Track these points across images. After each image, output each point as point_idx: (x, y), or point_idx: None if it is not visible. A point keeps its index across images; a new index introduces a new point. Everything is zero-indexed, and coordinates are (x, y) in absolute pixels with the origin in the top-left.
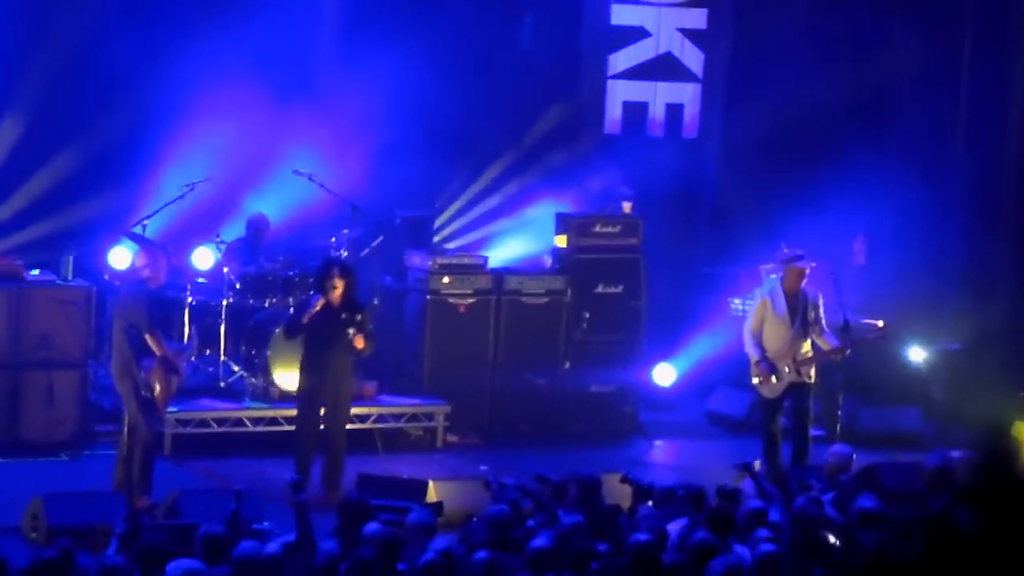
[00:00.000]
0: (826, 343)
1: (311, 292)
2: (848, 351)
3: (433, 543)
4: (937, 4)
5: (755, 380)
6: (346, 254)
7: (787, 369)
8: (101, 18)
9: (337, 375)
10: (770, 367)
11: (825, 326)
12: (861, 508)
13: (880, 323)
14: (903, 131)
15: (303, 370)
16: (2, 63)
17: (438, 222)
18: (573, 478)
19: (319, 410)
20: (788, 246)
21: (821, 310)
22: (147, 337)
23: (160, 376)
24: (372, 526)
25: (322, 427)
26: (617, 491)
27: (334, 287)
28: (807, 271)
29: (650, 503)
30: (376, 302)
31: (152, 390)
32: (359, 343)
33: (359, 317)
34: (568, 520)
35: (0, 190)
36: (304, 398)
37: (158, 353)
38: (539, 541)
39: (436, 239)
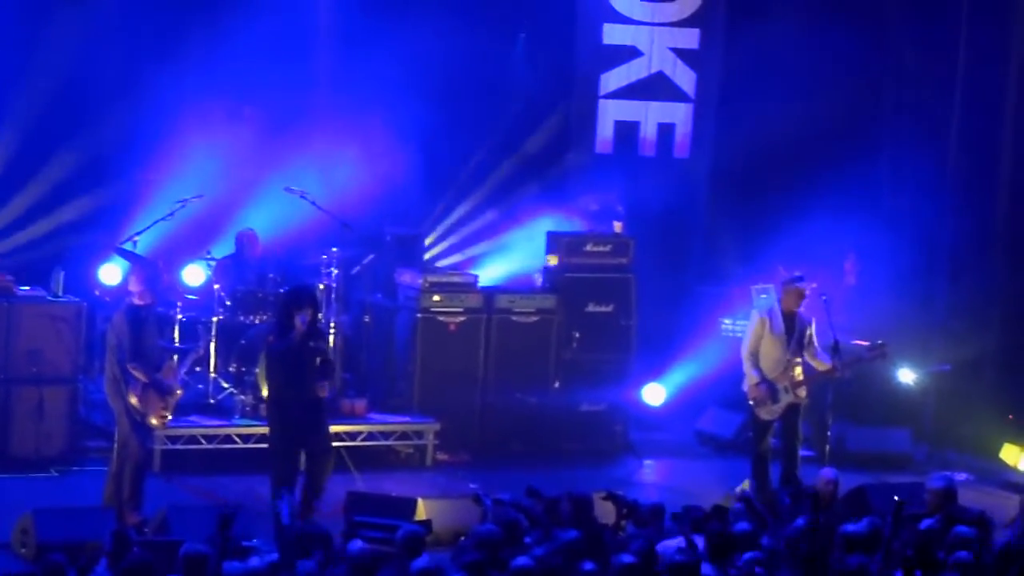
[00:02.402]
0: (821, 363)
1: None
2: (843, 372)
3: (417, 562)
4: (929, 23)
5: (752, 401)
6: (336, 272)
7: (785, 390)
8: (92, 35)
9: (310, 402)
10: (770, 389)
11: (818, 346)
12: (846, 532)
13: (880, 342)
14: (894, 150)
15: (274, 396)
16: None
17: (429, 240)
18: (566, 495)
19: (295, 436)
20: (786, 267)
21: (814, 331)
22: (128, 367)
23: (150, 400)
24: (356, 544)
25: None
26: (604, 509)
27: (308, 313)
28: (807, 292)
29: (632, 521)
30: (366, 319)
31: (142, 415)
32: (322, 392)
33: (322, 357)
34: (563, 537)
35: None
36: (278, 423)
37: (143, 380)
38: (521, 561)
39: (427, 257)
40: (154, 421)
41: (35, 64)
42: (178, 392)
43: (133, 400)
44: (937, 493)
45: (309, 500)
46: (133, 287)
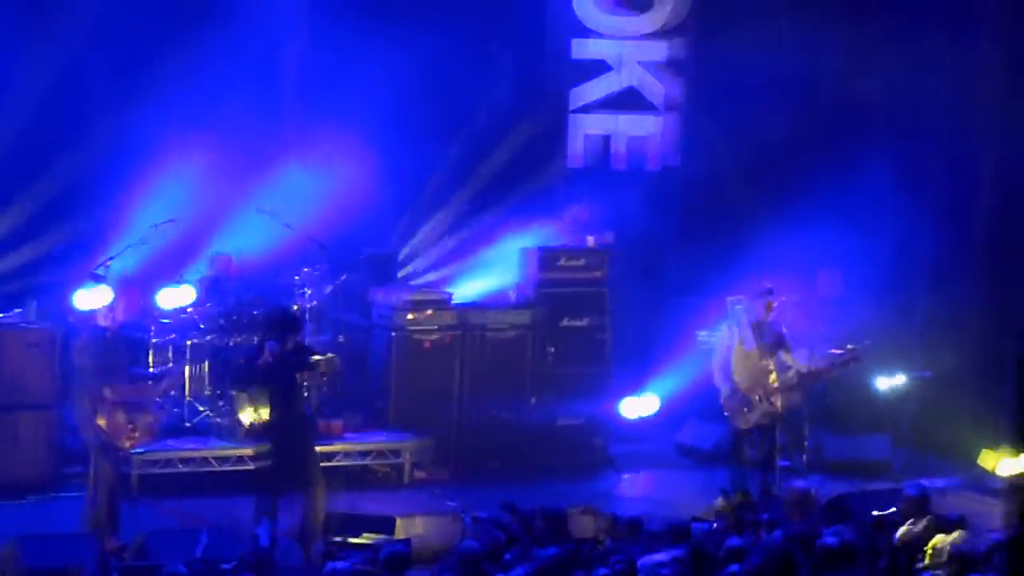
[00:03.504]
0: (800, 365)
1: (257, 340)
2: (819, 376)
3: None
4: (904, 29)
5: (727, 413)
6: (310, 292)
7: (759, 399)
8: (63, 63)
9: (296, 424)
10: (742, 400)
11: (791, 350)
12: (825, 545)
13: (851, 346)
14: (871, 160)
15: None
16: None
17: (402, 258)
18: (539, 510)
19: (278, 458)
20: (757, 279)
21: (786, 337)
22: (95, 386)
23: (118, 422)
24: (337, 564)
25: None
26: (582, 523)
27: (282, 340)
28: (774, 305)
29: (610, 536)
30: (341, 339)
31: (112, 437)
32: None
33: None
34: (543, 554)
35: None
36: (270, 443)
37: (111, 398)
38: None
39: (400, 275)
40: (124, 443)
41: (6, 92)
42: (152, 415)
43: (101, 422)
44: (911, 501)
45: (309, 531)
46: (100, 313)
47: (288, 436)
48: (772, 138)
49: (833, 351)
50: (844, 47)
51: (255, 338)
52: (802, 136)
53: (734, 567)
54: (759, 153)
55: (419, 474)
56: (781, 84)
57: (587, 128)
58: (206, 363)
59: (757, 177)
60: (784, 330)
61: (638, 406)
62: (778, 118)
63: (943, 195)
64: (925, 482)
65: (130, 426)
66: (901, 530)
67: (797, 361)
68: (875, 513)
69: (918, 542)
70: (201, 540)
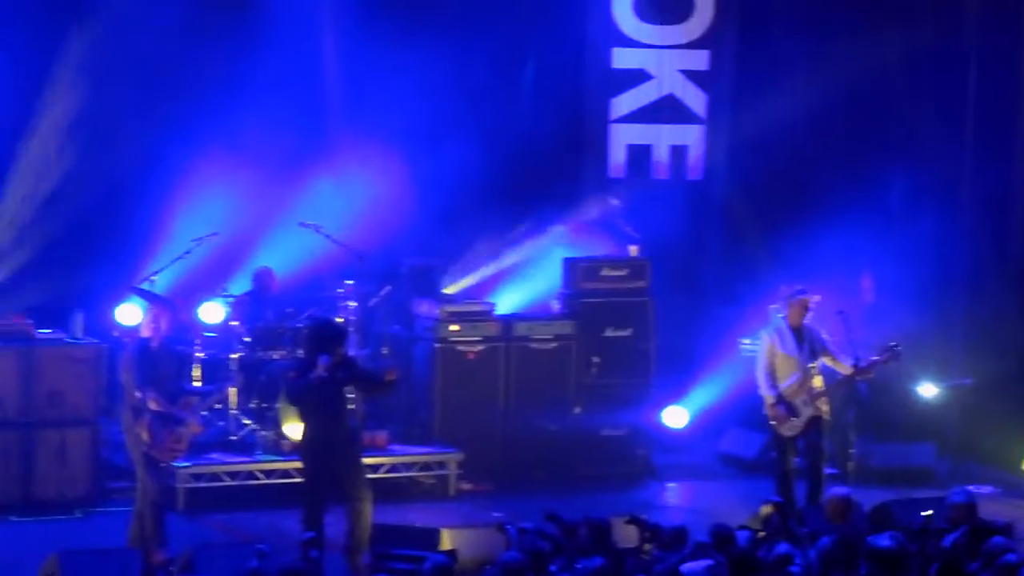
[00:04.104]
0: (845, 366)
1: (306, 353)
2: (863, 375)
3: None
4: (939, 31)
5: (772, 421)
6: (354, 305)
7: (803, 404)
8: (106, 76)
9: (342, 438)
10: (787, 408)
11: (835, 350)
12: (878, 547)
13: (891, 344)
14: (908, 165)
15: (310, 434)
16: (10, 120)
17: (445, 270)
18: (584, 520)
19: (326, 471)
20: (788, 283)
21: (827, 341)
22: (136, 394)
23: (159, 433)
24: None
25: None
26: (626, 533)
27: (333, 353)
28: (810, 304)
29: (656, 545)
30: (384, 351)
31: (148, 445)
32: (390, 376)
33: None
34: (589, 564)
35: (9, 248)
36: (311, 459)
37: (154, 408)
38: None
39: (443, 287)
40: (168, 457)
41: (52, 106)
42: (196, 428)
43: (143, 433)
44: (959, 507)
45: (355, 543)
46: (145, 327)
47: (335, 449)
48: (812, 144)
49: (874, 357)
50: (880, 53)
51: (299, 352)
52: (841, 143)
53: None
54: (799, 160)
55: (464, 485)
56: (821, 91)
57: (628, 138)
58: (250, 377)
59: (796, 185)
60: (825, 335)
61: (679, 415)
62: (818, 124)
63: (981, 200)
64: (972, 488)
65: (174, 440)
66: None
67: (839, 362)
68: (924, 514)
69: (966, 549)
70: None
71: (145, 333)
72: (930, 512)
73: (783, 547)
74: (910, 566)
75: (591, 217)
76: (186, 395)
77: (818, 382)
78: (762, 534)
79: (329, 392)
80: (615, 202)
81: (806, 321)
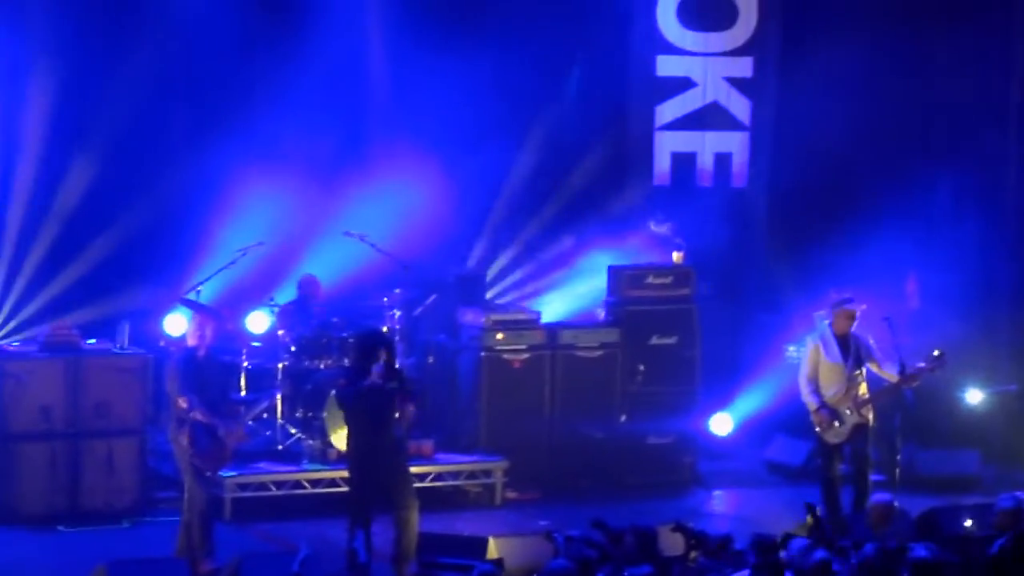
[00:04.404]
0: (891, 374)
1: (355, 362)
2: (909, 383)
3: None
4: (984, 34)
5: (817, 427)
6: (399, 314)
7: (848, 412)
8: (153, 88)
9: (390, 447)
10: (831, 413)
11: (881, 358)
12: (916, 558)
13: (937, 352)
14: (953, 170)
15: (352, 442)
16: (58, 135)
17: (490, 278)
18: (630, 528)
19: (372, 479)
20: (836, 290)
21: (874, 346)
22: (180, 402)
23: (203, 442)
24: None
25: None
26: (673, 541)
27: (383, 359)
28: (857, 313)
29: (701, 552)
30: (430, 360)
31: (191, 454)
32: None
33: (400, 383)
34: (635, 572)
35: (56, 259)
36: (356, 467)
37: (199, 419)
38: None
39: (488, 296)
40: (208, 465)
41: (99, 120)
42: (240, 437)
43: (184, 442)
44: (1007, 513)
45: (402, 552)
46: (190, 337)
47: (380, 458)
48: (856, 151)
49: (920, 364)
50: (925, 58)
51: (345, 360)
52: (885, 148)
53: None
54: (843, 166)
55: (510, 494)
56: (865, 97)
57: (673, 146)
58: (296, 386)
59: (840, 191)
60: (871, 341)
61: (724, 423)
62: (862, 131)
63: None
64: (1020, 494)
65: (217, 449)
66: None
67: (885, 370)
68: (967, 524)
69: (1013, 555)
70: (299, 554)
71: (191, 342)
72: (971, 521)
73: (820, 553)
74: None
75: (638, 229)
76: (232, 405)
77: (863, 390)
78: (807, 541)
79: (377, 401)
80: (665, 228)
81: (853, 329)
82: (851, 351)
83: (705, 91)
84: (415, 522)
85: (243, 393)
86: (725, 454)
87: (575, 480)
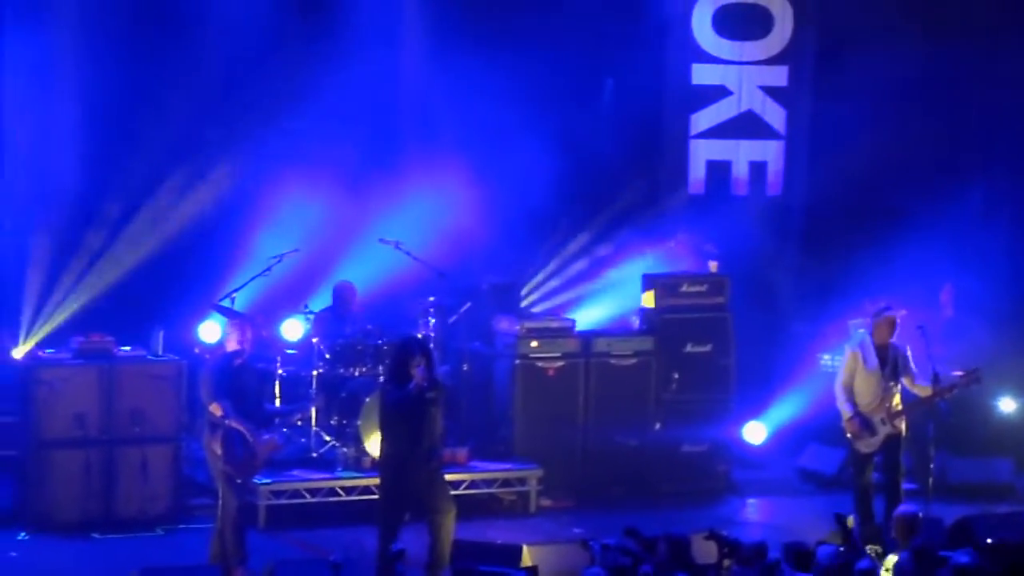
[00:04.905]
0: (922, 387)
1: (394, 368)
2: (941, 397)
3: None
4: (1018, 48)
5: (850, 436)
6: (434, 321)
7: (882, 422)
8: (189, 96)
9: (427, 454)
10: (864, 422)
11: (916, 371)
12: (957, 564)
13: (974, 367)
14: (987, 179)
15: (388, 448)
16: (95, 143)
17: (525, 286)
18: (663, 536)
19: (403, 487)
20: (870, 299)
21: (910, 359)
22: (212, 407)
23: (234, 449)
24: None
25: (426, 507)
26: (706, 549)
27: (419, 365)
28: (898, 320)
29: (735, 560)
30: (465, 367)
31: (222, 460)
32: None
33: (438, 394)
34: None
35: (91, 267)
36: (388, 474)
37: (231, 425)
38: None
39: (523, 303)
40: (240, 471)
41: (136, 126)
42: (274, 445)
43: (216, 447)
44: None
45: (436, 559)
46: (229, 342)
47: (412, 465)
48: (891, 160)
49: (956, 373)
50: (958, 65)
51: (381, 367)
52: (919, 156)
53: None
54: (878, 175)
55: (544, 502)
56: (899, 106)
57: (708, 154)
58: (330, 394)
59: (875, 199)
60: (908, 351)
61: (758, 431)
62: (897, 140)
63: None
64: None
65: (249, 456)
66: None
67: (923, 387)
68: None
69: None
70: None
71: (231, 348)
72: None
73: (865, 563)
74: None
75: (675, 239)
76: (267, 415)
77: (897, 401)
78: (841, 549)
79: (414, 408)
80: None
81: (893, 339)
82: (889, 361)
83: (740, 100)
84: (450, 529)
85: (277, 401)
86: (759, 462)
87: (609, 488)
